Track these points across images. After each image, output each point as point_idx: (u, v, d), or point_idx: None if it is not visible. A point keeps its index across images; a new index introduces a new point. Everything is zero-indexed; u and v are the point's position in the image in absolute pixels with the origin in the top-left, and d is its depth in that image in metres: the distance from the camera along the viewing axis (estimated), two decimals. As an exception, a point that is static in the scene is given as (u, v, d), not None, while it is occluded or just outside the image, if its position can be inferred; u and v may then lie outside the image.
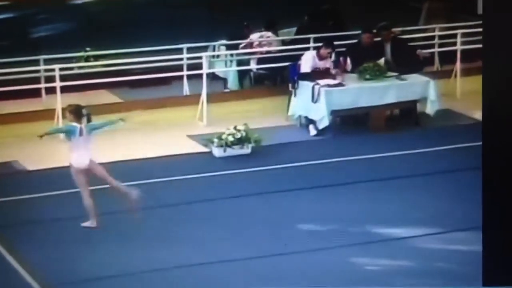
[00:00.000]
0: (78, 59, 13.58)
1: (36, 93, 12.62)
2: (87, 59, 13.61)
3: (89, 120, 9.00)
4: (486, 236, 4.76)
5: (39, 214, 9.49)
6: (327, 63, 12.28)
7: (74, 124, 8.93)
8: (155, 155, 11.14)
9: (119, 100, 13.09)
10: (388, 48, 12.81)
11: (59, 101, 11.75)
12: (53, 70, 12.03)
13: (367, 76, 12.21)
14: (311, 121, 12.01)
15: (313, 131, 11.97)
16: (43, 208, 9.62)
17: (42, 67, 12.58)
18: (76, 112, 8.96)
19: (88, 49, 13.67)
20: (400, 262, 8.47)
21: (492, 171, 4.67)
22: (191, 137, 11.84)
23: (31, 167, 10.82)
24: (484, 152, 4.70)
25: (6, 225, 9.24)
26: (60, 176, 9.84)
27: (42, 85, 12.55)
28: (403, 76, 12.33)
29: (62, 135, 10.12)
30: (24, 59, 12.51)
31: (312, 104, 11.89)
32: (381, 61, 12.43)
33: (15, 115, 12.32)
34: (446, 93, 13.09)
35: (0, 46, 13.58)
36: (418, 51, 13.05)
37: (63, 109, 9.37)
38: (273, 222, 9.30)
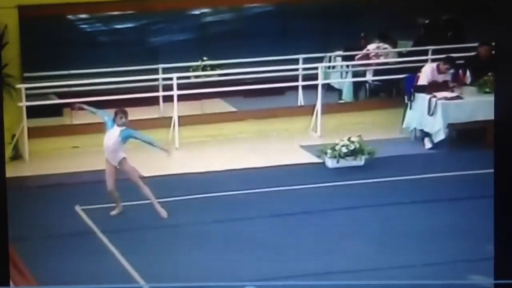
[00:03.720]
0: (195, 68, 13.77)
1: (153, 101, 12.85)
2: (204, 68, 13.79)
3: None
4: None
5: (151, 220, 9.64)
6: (446, 77, 12.07)
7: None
8: (268, 165, 11.16)
9: (233, 109, 13.19)
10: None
11: (175, 109, 11.95)
12: (171, 79, 12.24)
13: (487, 89, 11.91)
14: (427, 134, 11.80)
15: (428, 144, 11.76)
16: (154, 214, 9.78)
17: (160, 75, 12.81)
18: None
19: (205, 58, 13.85)
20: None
21: None
22: (304, 147, 11.81)
23: (145, 173, 10.99)
24: None
25: (120, 230, 9.44)
26: (172, 182, 9.97)
27: (160, 93, 12.76)
28: (526, 90, 11.96)
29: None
30: (144, 68, 12.78)
31: (428, 117, 11.69)
32: None
33: (133, 122, 12.54)
34: None
35: (120, 54, 13.91)
36: None
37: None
38: (386, 235, 9.18)
